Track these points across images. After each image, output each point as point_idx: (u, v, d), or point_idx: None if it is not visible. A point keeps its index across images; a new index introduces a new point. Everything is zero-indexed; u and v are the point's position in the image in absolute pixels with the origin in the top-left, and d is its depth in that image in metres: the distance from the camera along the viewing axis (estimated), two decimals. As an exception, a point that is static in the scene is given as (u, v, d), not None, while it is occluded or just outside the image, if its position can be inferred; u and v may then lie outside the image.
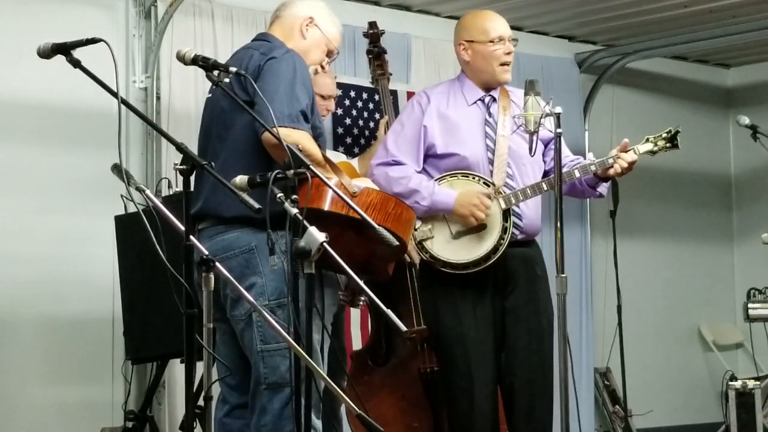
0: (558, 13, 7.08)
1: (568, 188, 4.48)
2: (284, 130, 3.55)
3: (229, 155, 3.73)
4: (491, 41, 4.41)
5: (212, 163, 3.13)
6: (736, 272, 8.69)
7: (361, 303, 4.67)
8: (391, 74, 5.44)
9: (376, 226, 3.33)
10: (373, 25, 5.48)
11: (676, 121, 5.49)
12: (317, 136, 3.74)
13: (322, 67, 4.03)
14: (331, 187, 3.39)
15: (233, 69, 3.38)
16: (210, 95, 3.92)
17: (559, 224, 3.94)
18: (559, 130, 4.00)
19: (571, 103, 7.23)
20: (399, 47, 6.44)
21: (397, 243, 3.47)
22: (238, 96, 3.60)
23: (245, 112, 3.48)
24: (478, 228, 4.34)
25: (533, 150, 4.10)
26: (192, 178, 3.29)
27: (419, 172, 4.43)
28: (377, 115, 6.25)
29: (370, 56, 5.45)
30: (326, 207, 3.59)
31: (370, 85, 5.77)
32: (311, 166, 3.29)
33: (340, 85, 6.23)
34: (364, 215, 3.39)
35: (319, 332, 3.70)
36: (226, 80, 3.64)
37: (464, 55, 4.49)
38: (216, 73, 3.40)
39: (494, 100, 4.48)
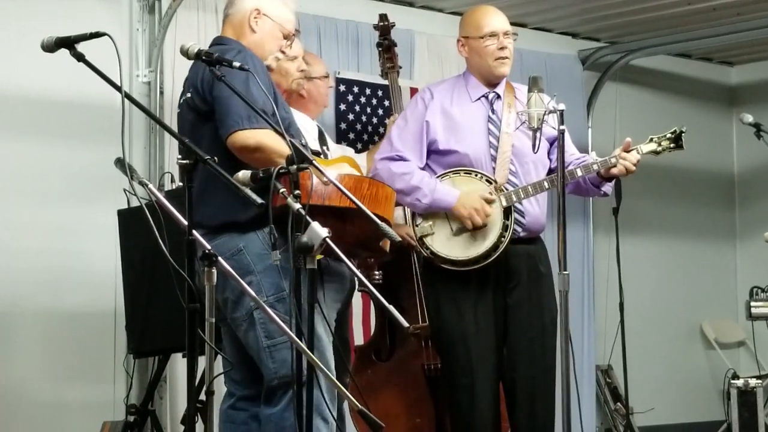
0: (562, 9, 7.07)
1: (572, 187, 4.48)
2: (245, 132, 3.55)
3: (205, 168, 3.68)
4: (482, 37, 4.42)
5: (215, 158, 3.12)
6: (739, 270, 8.68)
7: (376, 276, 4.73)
8: (401, 67, 5.39)
9: (377, 220, 3.31)
10: (383, 17, 5.43)
11: (680, 118, 5.48)
12: (288, 127, 3.63)
13: (284, 52, 3.97)
14: (331, 181, 3.36)
15: (237, 64, 3.37)
16: (179, 110, 3.87)
17: (561, 221, 3.93)
18: (562, 127, 3.99)
19: (574, 100, 7.21)
20: (403, 43, 6.42)
21: (398, 238, 3.43)
22: (199, 107, 3.64)
23: (207, 122, 3.49)
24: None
25: (536, 147, 4.10)
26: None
27: (422, 168, 4.43)
28: (380, 111, 6.24)
29: (380, 49, 5.39)
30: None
31: (374, 81, 5.75)
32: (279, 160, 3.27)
33: (342, 81, 6.23)
34: (367, 210, 3.36)
35: (323, 327, 3.70)
36: (188, 95, 3.69)
37: (462, 52, 4.51)
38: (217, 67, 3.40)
39: (498, 97, 4.48)
